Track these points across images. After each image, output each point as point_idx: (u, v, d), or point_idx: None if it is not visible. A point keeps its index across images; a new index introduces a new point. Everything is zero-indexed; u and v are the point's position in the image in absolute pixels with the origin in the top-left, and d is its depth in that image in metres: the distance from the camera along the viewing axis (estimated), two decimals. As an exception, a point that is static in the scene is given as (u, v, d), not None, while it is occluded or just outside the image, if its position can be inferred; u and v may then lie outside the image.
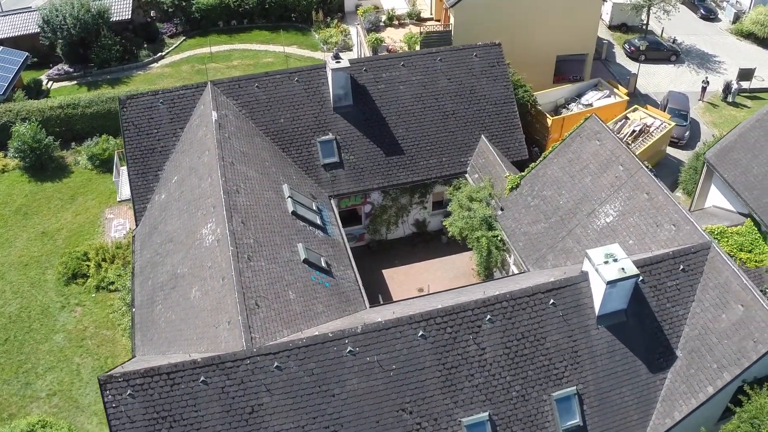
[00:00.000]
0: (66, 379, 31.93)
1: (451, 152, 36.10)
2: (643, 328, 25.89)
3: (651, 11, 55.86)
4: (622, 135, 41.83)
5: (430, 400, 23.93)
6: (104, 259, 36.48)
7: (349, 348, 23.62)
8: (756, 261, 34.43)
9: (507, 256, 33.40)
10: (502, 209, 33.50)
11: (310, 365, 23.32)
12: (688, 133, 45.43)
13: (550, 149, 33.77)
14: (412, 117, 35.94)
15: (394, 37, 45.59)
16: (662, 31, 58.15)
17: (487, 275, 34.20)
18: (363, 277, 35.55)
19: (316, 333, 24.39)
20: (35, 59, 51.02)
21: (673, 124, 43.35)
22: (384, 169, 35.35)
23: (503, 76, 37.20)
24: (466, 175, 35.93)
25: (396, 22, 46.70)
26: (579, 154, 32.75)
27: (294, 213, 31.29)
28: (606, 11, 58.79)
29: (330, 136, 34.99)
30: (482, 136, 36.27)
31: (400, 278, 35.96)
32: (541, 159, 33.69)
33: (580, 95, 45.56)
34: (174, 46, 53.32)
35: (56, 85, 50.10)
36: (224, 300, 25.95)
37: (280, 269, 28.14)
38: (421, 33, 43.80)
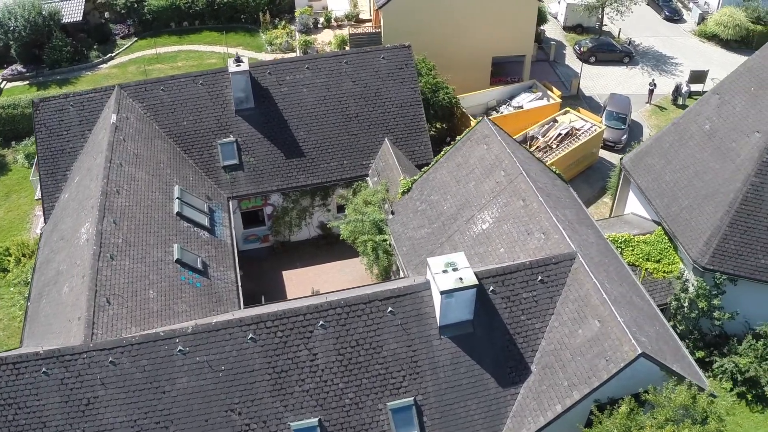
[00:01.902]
0: (-29, 369, 33.11)
1: (353, 155, 36.25)
2: (493, 340, 25.35)
3: (605, 12, 54.92)
4: (548, 138, 41.31)
5: (260, 402, 24.16)
6: (24, 255, 37.70)
7: (179, 347, 24.02)
8: (664, 271, 33.70)
9: (396, 260, 33.41)
10: (393, 213, 33.50)
11: (142, 362, 23.86)
12: (625, 136, 44.55)
13: (442, 153, 33.63)
14: (314, 120, 36.22)
15: (331, 39, 45.86)
16: (619, 32, 57.09)
17: (385, 279, 34.26)
18: (262, 277, 36.35)
19: (152, 331, 25.03)
20: (-10, 59, 52.66)
21: (603, 127, 42.62)
22: (284, 172, 35.70)
23: (411, 78, 37.14)
24: (367, 179, 36.06)
25: (335, 24, 46.93)
26: (467, 159, 32.52)
27: (179, 214, 31.93)
28: (560, 12, 57.92)
29: (231, 138, 35.51)
30: (386, 139, 36.30)
31: (298, 279, 36.30)
32: (433, 163, 33.58)
33: (513, 97, 45.06)
34: (125, 47, 54.50)
35: (9, 84, 51.60)
36: (80, 297, 26.88)
37: (146, 268, 28.81)
38: (350, 35, 43.97)
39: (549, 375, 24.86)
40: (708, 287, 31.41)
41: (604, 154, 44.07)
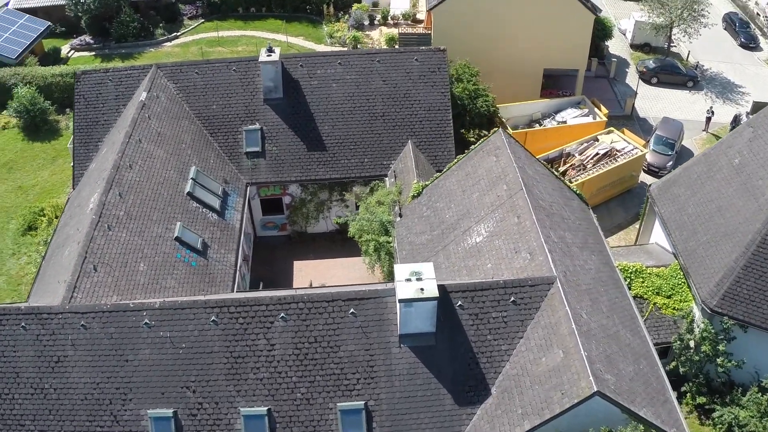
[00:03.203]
0: (-8, 318, 35.39)
1: (374, 154, 36.28)
2: (455, 356, 24.95)
3: (672, 33, 52.70)
4: (585, 156, 40.02)
5: (214, 383, 24.84)
6: (56, 216, 39.68)
7: (146, 320, 25.01)
8: (674, 308, 32.14)
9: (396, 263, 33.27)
10: (400, 216, 33.38)
11: (110, 329, 25.07)
12: (671, 163, 42.49)
13: (455, 160, 33.23)
14: (339, 115, 36.47)
15: (378, 36, 45.82)
16: (688, 54, 54.38)
17: (390, 280, 34.21)
18: (273, 264, 37.05)
19: (123, 302, 26.10)
20: (63, 28, 55.55)
21: (645, 151, 40.92)
22: (304, 163, 36.15)
23: (442, 82, 36.79)
24: (385, 179, 36.02)
25: (391, 22, 46.93)
26: (476, 169, 32.02)
27: (190, 194, 32.85)
28: (629, 29, 55.69)
29: (256, 125, 36.22)
30: (409, 141, 36.16)
31: (308, 270, 36.74)
32: (445, 170, 33.23)
33: (559, 111, 43.84)
34: (190, 27, 56.32)
35: (77, 54, 54.23)
36: (71, 261, 28.11)
37: (142, 242, 29.82)
38: (399, 34, 43.88)
39: (506, 400, 24.21)
40: (714, 331, 29.75)
41: (647, 179, 42.26)
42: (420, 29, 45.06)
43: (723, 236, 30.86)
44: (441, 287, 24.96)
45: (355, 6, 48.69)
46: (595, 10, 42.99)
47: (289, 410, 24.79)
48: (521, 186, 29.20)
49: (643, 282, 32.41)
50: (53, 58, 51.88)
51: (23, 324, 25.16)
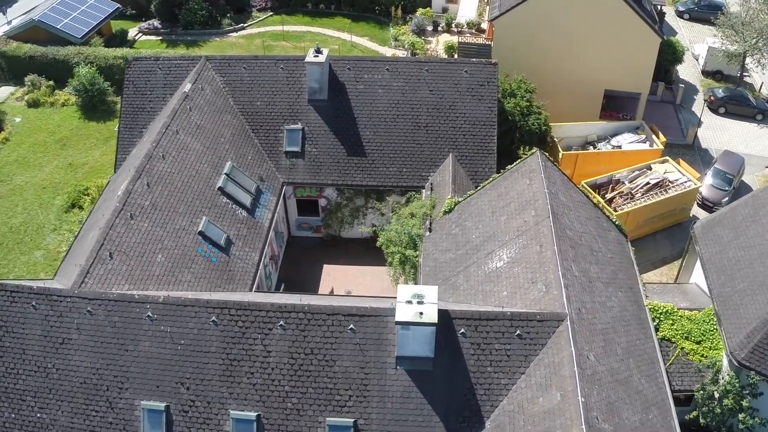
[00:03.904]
0: (26, 290, 36.53)
1: (413, 164, 35.64)
2: (452, 384, 24.27)
3: (745, 62, 50.02)
4: (635, 184, 38.33)
5: (208, 383, 24.96)
6: (99, 196, 40.60)
7: (148, 313, 25.32)
8: (702, 354, 30.42)
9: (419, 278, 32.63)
10: (430, 230, 32.70)
11: (114, 318, 25.56)
12: (727, 199, 40.26)
13: (490, 179, 32.30)
14: (382, 122, 35.98)
15: (433, 44, 45.02)
16: (761, 86, 51.32)
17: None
18: (303, 265, 36.86)
19: (128, 292, 26.42)
20: (133, 11, 56.84)
21: (699, 184, 38.90)
22: (342, 168, 35.84)
23: (491, 97, 35.81)
24: (422, 191, 35.35)
25: (455, 29, 46.00)
26: (508, 190, 31.04)
27: (221, 189, 32.97)
28: (701, 55, 53.01)
29: (298, 125, 36.09)
30: (450, 154, 35.36)
31: (336, 275, 36.48)
32: (479, 188, 32.34)
33: (615, 135, 42.11)
34: (258, 19, 56.56)
35: (144, 38, 55.25)
36: (90, 246, 28.62)
37: (163, 233, 30.03)
38: (459, 43, 42.96)
39: (498, 436, 23.47)
40: (740, 385, 28.03)
41: (701, 213, 40.21)
42: (481, 39, 44.03)
43: (760, 285, 29.01)
44: (444, 313, 24.40)
45: (419, 11, 48.02)
46: (661, 33, 41.10)
47: (278, 418, 24.64)
48: (548, 213, 28.15)
49: (672, 324, 30.75)
50: (120, 39, 53.11)
51: (34, 303, 26.00)
